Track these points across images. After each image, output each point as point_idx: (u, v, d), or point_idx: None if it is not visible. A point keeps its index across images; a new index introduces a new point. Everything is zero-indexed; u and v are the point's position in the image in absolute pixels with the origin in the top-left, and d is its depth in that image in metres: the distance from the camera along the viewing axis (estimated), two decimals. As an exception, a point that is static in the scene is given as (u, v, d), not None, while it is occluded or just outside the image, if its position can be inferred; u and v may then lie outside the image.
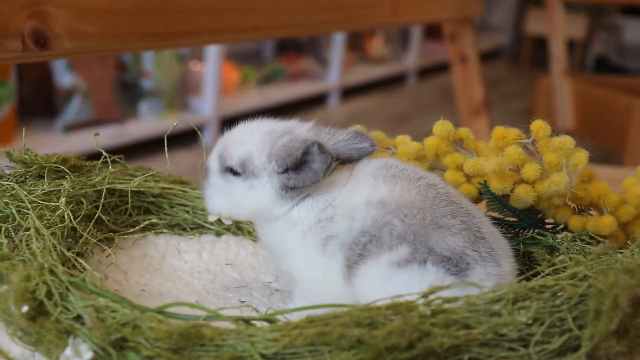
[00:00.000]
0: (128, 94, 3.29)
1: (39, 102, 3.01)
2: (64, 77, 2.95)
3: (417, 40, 5.17)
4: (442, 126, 0.79)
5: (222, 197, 0.73)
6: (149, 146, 3.24)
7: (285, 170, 0.70)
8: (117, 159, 0.87)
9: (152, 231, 0.87)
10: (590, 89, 3.03)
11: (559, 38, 3.03)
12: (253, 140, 0.72)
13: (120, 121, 3.16)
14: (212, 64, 3.41)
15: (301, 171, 0.70)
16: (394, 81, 5.11)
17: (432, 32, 5.61)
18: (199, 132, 0.90)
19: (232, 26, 1.17)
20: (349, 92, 4.62)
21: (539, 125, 0.75)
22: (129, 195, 0.85)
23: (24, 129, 0.89)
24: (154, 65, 3.30)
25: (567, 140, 0.72)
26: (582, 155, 0.72)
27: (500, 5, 6.45)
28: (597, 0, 3.89)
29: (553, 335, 0.59)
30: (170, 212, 0.89)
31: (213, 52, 3.38)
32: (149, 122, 3.27)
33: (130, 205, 0.86)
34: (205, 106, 3.47)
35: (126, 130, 3.15)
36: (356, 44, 4.89)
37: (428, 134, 0.82)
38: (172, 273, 0.81)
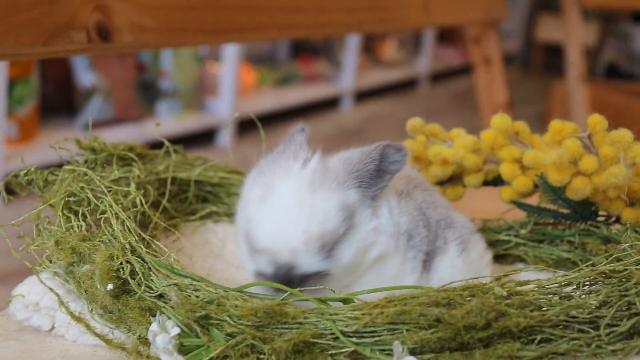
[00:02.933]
0: (147, 94, 3.32)
1: (60, 100, 3.03)
2: (85, 76, 2.97)
3: (429, 45, 5.20)
4: (500, 119, 0.81)
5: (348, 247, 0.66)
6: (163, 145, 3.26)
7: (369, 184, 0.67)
8: (178, 150, 0.90)
9: (211, 219, 0.90)
10: (605, 95, 3.05)
11: (575, 44, 3.05)
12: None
13: (139, 120, 3.19)
14: (229, 65, 3.44)
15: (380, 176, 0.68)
16: (406, 85, 5.14)
17: (445, 37, 5.64)
18: (259, 125, 0.92)
19: (276, 23, 1.20)
20: (363, 96, 4.65)
21: (596, 120, 0.78)
22: (192, 184, 0.88)
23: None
24: (172, 66, 3.32)
25: (626, 134, 0.74)
26: (640, 149, 0.75)
27: (512, 12, 6.47)
28: (609, 7, 3.92)
29: (621, 319, 0.62)
30: (227, 200, 0.91)
31: (230, 53, 3.41)
32: (167, 121, 3.30)
33: (192, 194, 0.89)
34: (222, 107, 3.49)
35: (145, 129, 3.17)
36: (370, 48, 4.92)
37: None
38: (234, 259, 0.83)
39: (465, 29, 2.11)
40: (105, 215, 0.71)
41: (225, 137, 3.51)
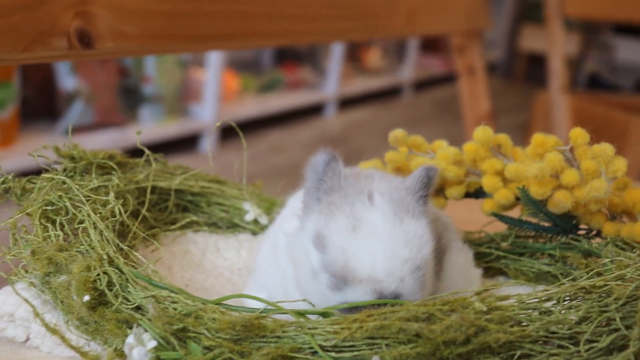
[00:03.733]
0: (129, 99, 3.30)
1: (42, 105, 3.01)
2: (67, 80, 2.95)
3: (413, 54, 5.22)
4: (482, 132, 0.81)
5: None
6: (150, 151, 3.25)
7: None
8: (158, 158, 0.89)
9: (191, 229, 0.89)
10: (587, 105, 3.07)
11: (558, 54, 3.07)
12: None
13: (122, 125, 3.17)
14: (213, 71, 3.43)
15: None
16: (390, 93, 5.15)
17: (428, 45, 5.66)
18: (240, 133, 0.91)
19: (261, 31, 1.19)
20: (346, 103, 4.65)
21: (577, 133, 0.78)
22: (172, 193, 0.87)
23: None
24: (155, 71, 3.31)
25: (607, 148, 0.75)
26: (621, 163, 0.75)
27: (495, 21, 6.51)
28: (592, 17, 3.95)
29: (601, 334, 0.61)
30: (207, 210, 0.90)
31: (214, 59, 3.40)
32: (149, 127, 3.28)
33: (172, 203, 0.88)
34: (206, 112, 3.48)
35: (127, 134, 3.15)
36: (354, 55, 4.93)
37: None
38: (213, 270, 0.83)
39: (450, 38, 2.12)
40: (83, 225, 0.71)
41: (208, 144, 3.50)
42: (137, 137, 0.86)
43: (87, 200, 0.74)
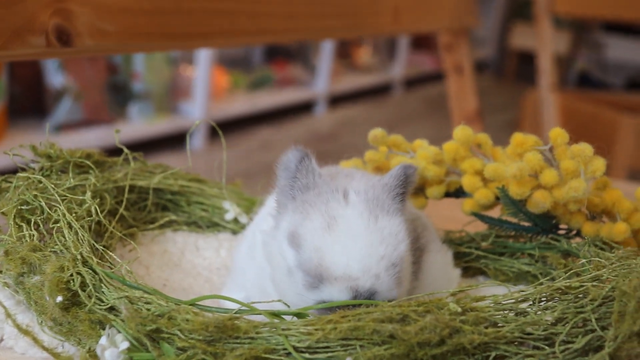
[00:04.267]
0: (118, 96, 3.29)
1: (29, 102, 3.00)
2: (55, 77, 2.94)
3: (403, 51, 5.21)
4: (462, 131, 0.81)
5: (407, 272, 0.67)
6: (139, 148, 3.23)
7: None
8: (137, 156, 0.88)
9: (170, 228, 0.88)
10: (576, 104, 3.07)
11: (547, 52, 3.07)
12: None
13: (110, 123, 3.16)
14: (202, 68, 3.42)
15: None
16: (380, 90, 5.14)
17: (419, 43, 5.66)
18: (221, 133, 0.91)
19: (244, 28, 1.19)
20: (337, 100, 4.65)
21: (557, 133, 0.77)
22: (151, 192, 0.86)
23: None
24: (144, 68, 3.30)
25: (586, 148, 0.74)
26: (600, 163, 0.75)
27: (486, 19, 6.51)
28: (581, 15, 3.95)
29: (577, 335, 0.61)
30: (187, 209, 0.90)
31: (203, 56, 3.39)
32: (138, 124, 3.27)
33: (150, 202, 0.87)
34: (195, 110, 3.47)
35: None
36: (344, 53, 4.92)
37: None
38: (192, 269, 0.82)
39: (438, 36, 2.11)
40: (58, 225, 0.70)
41: (196, 141, 3.49)
42: (116, 136, 0.85)
43: (63, 200, 0.73)
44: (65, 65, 2.95)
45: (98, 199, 0.77)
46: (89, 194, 0.75)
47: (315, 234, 0.62)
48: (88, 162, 0.81)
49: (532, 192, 0.77)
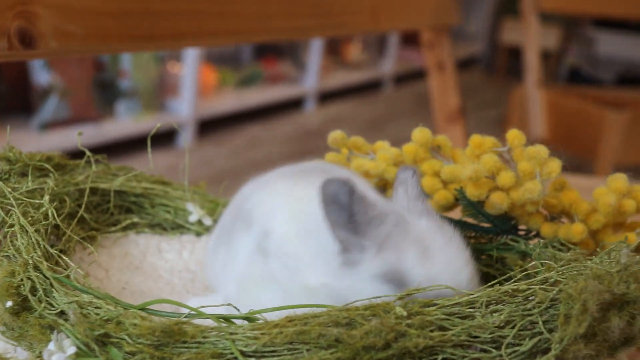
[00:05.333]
0: (105, 94, 3.29)
1: (16, 100, 3.00)
2: (42, 75, 2.94)
3: (394, 47, 5.21)
4: (420, 133, 0.81)
5: None
6: (126, 146, 3.24)
7: None
8: (100, 159, 0.88)
9: (134, 230, 0.89)
10: (563, 100, 3.08)
11: (533, 48, 3.07)
12: None
13: (97, 120, 3.16)
14: (190, 66, 3.42)
15: None
16: (370, 87, 5.15)
17: (409, 39, 5.66)
18: (177, 134, 0.91)
19: (214, 30, 1.19)
20: (326, 97, 4.65)
21: (514, 135, 0.78)
22: (112, 195, 0.86)
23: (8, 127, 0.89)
24: (132, 66, 3.30)
25: (541, 150, 0.74)
26: (555, 164, 0.75)
27: (477, 14, 6.51)
28: (567, 11, 3.95)
29: (524, 338, 0.61)
30: (151, 211, 0.90)
31: (191, 53, 3.39)
32: (126, 122, 3.27)
33: (112, 205, 0.87)
34: (183, 107, 3.47)
35: (103, 129, 3.14)
36: (334, 49, 4.92)
37: (404, 140, 0.84)
38: (153, 272, 0.82)
39: (420, 34, 2.11)
40: (13, 229, 0.70)
41: (184, 139, 3.48)
42: (78, 138, 0.85)
43: (20, 204, 0.73)
44: (52, 63, 2.95)
45: (57, 203, 0.77)
46: (46, 198, 0.75)
47: (417, 266, 0.64)
48: (47, 166, 0.81)
49: (490, 193, 0.77)
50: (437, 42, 2.05)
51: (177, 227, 0.91)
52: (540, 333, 0.61)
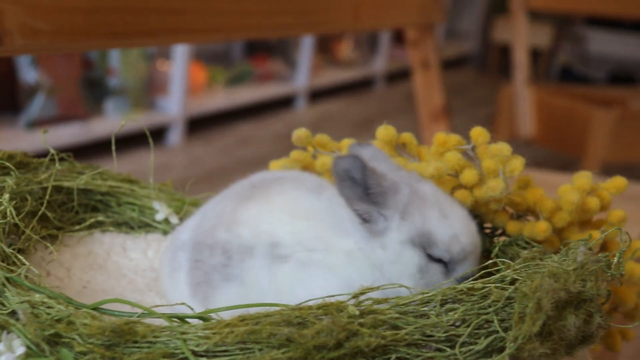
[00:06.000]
0: (94, 92, 3.28)
1: (3, 98, 2.99)
2: (29, 72, 2.93)
3: (385, 45, 5.21)
4: (384, 131, 0.80)
5: None
6: (115, 144, 3.23)
7: None
8: (65, 157, 0.88)
9: (99, 229, 0.88)
10: (552, 98, 3.07)
11: (522, 46, 3.07)
12: None
13: (85, 119, 3.15)
14: (179, 64, 3.41)
15: None
16: (362, 85, 5.14)
17: (401, 37, 5.65)
18: (144, 136, 0.90)
19: (191, 27, 1.18)
20: (317, 95, 4.64)
21: (478, 132, 0.77)
22: (75, 193, 0.86)
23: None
24: (120, 64, 3.29)
25: (504, 147, 0.74)
26: (518, 162, 0.74)
27: (469, 13, 6.51)
28: (562, 11, 3.95)
29: (480, 337, 0.61)
30: (117, 210, 0.89)
31: (180, 51, 3.38)
32: (114, 120, 3.26)
33: (77, 203, 0.87)
34: (172, 105, 3.46)
35: (91, 128, 3.13)
36: (325, 47, 4.91)
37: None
38: (116, 271, 0.82)
39: (405, 32, 2.11)
40: (-31, 228, 0.69)
41: (174, 137, 3.48)
42: (42, 136, 0.84)
43: (-23, 202, 0.72)
44: (39, 61, 2.94)
45: (18, 201, 0.77)
46: (6, 196, 0.75)
47: (441, 226, 0.68)
48: (8, 164, 0.80)
49: (454, 191, 0.77)
50: (422, 40, 2.04)
51: (144, 226, 0.90)
52: (496, 332, 0.61)
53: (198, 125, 3.72)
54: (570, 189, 0.77)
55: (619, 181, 0.81)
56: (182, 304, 0.65)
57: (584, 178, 0.78)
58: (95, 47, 1.12)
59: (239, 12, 1.28)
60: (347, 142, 0.86)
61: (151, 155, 0.88)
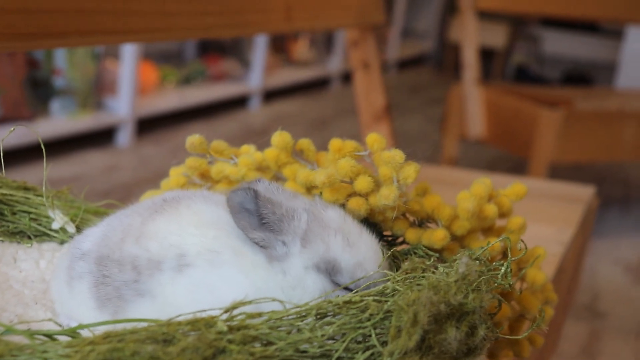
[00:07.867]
0: (39, 92, 3.22)
1: (-58, 98, 2.92)
2: (-31, 73, 2.86)
3: (341, 45, 5.19)
4: (280, 137, 0.78)
5: None
6: (60, 146, 3.18)
7: None
8: (-45, 164, 0.84)
9: (-10, 239, 0.85)
10: (500, 98, 3.08)
11: (471, 46, 3.07)
12: None
13: (30, 119, 3.09)
14: (128, 63, 3.36)
15: None
16: (317, 85, 5.12)
17: (359, 36, 5.64)
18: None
19: (106, 28, 1.15)
20: (272, 95, 4.61)
21: (373, 139, 0.75)
22: (-39, 202, 0.83)
23: None
24: (66, 63, 3.23)
25: (397, 154, 0.72)
26: (412, 169, 0.73)
27: (426, 12, 6.53)
28: (510, 11, 3.97)
29: (357, 352, 0.59)
30: (11, 219, 0.86)
31: (129, 51, 3.33)
32: (60, 121, 3.20)
33: (-35, 212, 0.83)
34: (121, 106, 3.41)
35: (36, 129, 3.07)
36: (280, 47, 4.89)
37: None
38: (3, 282, 0.79)
39: (346, 33, 2.09)
40: None
41: (123, 138, 3.43)
42: None
43: None
44: (-19, 61, 2.88)
45: None
46: None
47: (346, 254, 0.68)
48: None
49: (348, 199, 0.75)
50: (362, 41, 2.03)
51: (40, 235, 0.87)
52: (373, 346, 0.59)
53: (148, 125, 3.68)
54: (468, 196, 0.76)
55: (518, 187, 0.80)
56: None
57: (481, 185, 0.76)
58: (22, 47, 1.08)
59: (160, 12, 1.25)
60: (246, 149, 0.84)
61: (44, 163, 0.85)
